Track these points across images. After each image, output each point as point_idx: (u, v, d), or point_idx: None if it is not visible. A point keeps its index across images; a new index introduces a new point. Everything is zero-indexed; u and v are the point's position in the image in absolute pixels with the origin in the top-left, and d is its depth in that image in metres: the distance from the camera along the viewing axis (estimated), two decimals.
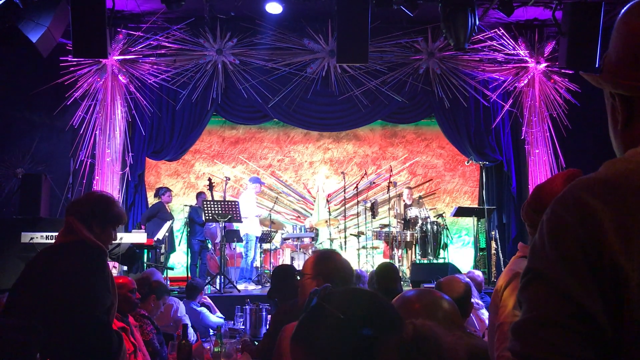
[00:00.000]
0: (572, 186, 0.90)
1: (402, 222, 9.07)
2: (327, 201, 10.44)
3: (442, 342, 1.10)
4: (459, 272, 7.08)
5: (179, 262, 9.84)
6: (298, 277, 2.55)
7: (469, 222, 9.93)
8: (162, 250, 8.64)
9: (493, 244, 9.08)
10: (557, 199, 0.91)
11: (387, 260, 8.54)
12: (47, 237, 6.91)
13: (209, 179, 8.52)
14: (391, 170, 10.06)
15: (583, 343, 0.82)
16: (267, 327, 4.18)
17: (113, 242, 2.77)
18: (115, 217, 2.75)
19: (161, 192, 9.17)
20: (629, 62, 0.97)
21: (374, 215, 9.42)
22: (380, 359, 1.07)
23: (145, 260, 8.64)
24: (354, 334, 1.08)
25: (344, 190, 9.57)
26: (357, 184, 9.89)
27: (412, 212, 9.13)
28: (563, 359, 0.82)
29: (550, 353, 0.83)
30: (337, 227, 9.88)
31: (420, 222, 8.91)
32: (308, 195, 10.93)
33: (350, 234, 9.52)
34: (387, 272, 4.47)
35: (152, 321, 4.06)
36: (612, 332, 0.82)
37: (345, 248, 9.22)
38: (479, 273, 6.19)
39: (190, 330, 5.36)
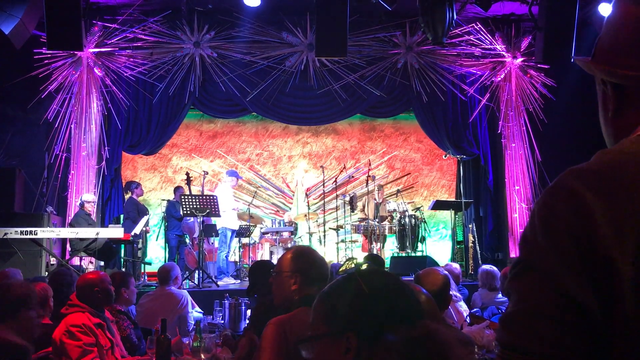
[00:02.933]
0: (564, 176, 0.88)
1: (375, 219, 9.10)
2: (306, 195, 10.43)
3: (451, 352, 1.10)
4: (436, 265, 7.14)
5: (156, 256, 9.76)
6: (273, 275, 2.50)
7: (447, 215, 10.01)
8: (139, 245, 8.55)
9: (470, 237, 9.16)
10: (548, 188, 0.89)
11: (367, 253, 8.57)
12: (21, 233, 6.80)
13: (187, 174, 8.45)
14: (370, 164, 10.09)
15: (574, 335, 0.81)
16: (247, 321, 4.16)
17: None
18: (22, 300, 2.73)
19: (132, 186, 9.04)
20: (621, 49, 0.95)
21: (352, 209, 9.44)
22: (383, 344, 1.10)
23: (122, 255, 8.56)
24: (369, 311, 1.15)
25: (323, 184, 9.57)
26: (336, 178, 9.89)
27: (390, 206, 9.17)
28: (553, 350, 0.82)
29: (540, 344, 0.82)
30: (316, 221, 9.88)
31: (398, 215, 8.95)
32: (287, 190, 10.91)
33: (329, 228, 9.53)
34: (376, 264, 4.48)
35: (128, 316, 4.02)
36: (603, 324, 0.81)
37: (324, 242, 9.23)
38: (456, 266, 6.25)
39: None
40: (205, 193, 8.74)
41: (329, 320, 1.19)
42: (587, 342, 0.82)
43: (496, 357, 0.89)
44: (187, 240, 9.21)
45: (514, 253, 9.49)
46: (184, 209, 7.90)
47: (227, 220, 8.65)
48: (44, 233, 6.99)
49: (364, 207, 9.26)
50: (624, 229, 0.80)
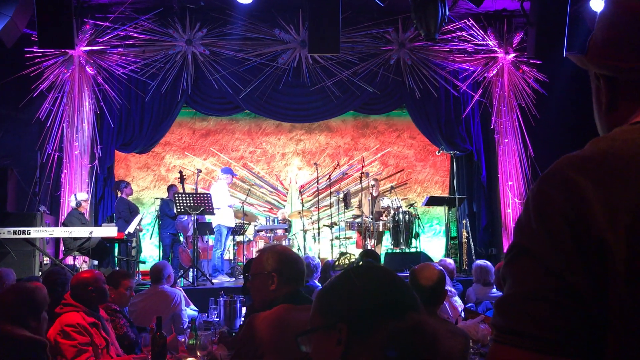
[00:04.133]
0: (558, 163, 0.90)
1: (370, 215, 9.11)
2: (300, 192, 10.43)
3: (439, 343, 1.11)
4: (431, 260, 7.17)
5: (150, 255, 9.74)
6: (250, 277, 2.51)
7: (440, 211, 10.05)
8: (134, 244, 8.53)
9: (464, 233, 9.20)
10: (542, 176, 0.91)
11: (361, 249, 8.59)
12: (14, 232, 6.77)
13: (180, 172, 8.43)
14: (363, 161, 10.10)
15: (568, 318, 0.83)
16: (243, 319, 4.17)
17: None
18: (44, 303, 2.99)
19: (122, 186, 9.00)
20: (614, 42, 0.96)
21: (346, 206, 9.45)
22: (373, 337, 1.12)
23: (116, 254, 8.54)
24: (360, 304, 1.17)
25: (317, 182, 9.58)
26: (330, 175, 9.90)
27: (384, 203, 9.18)
28: (547, 333, 0.83)
29: (535, 327, 0.83)
30: (310, 218, 9.88)
31: (392, 212, 8.97)
32: (281, 187, 10.91)
33: (324, 225, 9.54)
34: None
35: (124, 314, 4.02)
36: (596, 307, 0.83)
37: (318, 239, 9.24)
38: (450, 261, 6.27)
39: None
40: (199, 191, 8.73)
41: (324, 314, 1.23)
42: (581, 324, 0.83)
43: (491, 341, 0.90)
44: (182, 239, 9.20)
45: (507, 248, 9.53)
46: (178, 207, 7.89)
47: (222, 217, 8.64)
48: (37, 233, 6.96)
49: (360, 203, 9.27)
50: (617, 213, 0.82)
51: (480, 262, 6.14)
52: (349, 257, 6.41)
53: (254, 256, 8.92)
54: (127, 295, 4.09)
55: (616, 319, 0.82)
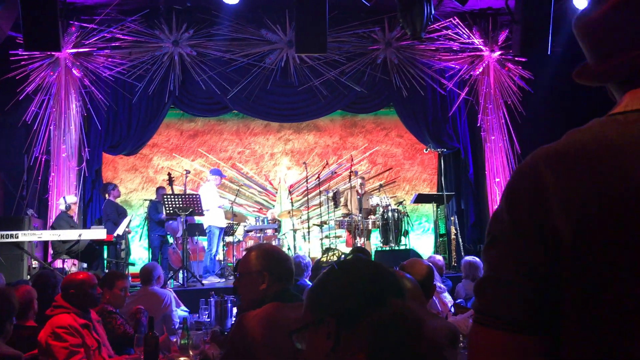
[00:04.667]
0: (531, 155, 0.97)
1: (359, 211, 9.14)
2: (290, 192, 10.45)
3: (423, 326, 1.13)
4: (420, 257, 7.21)
5: (139, 257, 9.71)
6: (237, 276, 2.51)
7: (429, 208, 10.10)
8: (123, 246, 8.50)
9: (452, 229, 9.27)
10: (516, 168, 0.99)
11: (351, 248, 8.62)
12: (2, 237, 6.73)
13: (169, 174, 8.41)
14: (352, 160, 10.14)
15: (533, 299, 0.91)
16: (234, 319, 4.18)
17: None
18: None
19: (109, 188, 8.95)
20: (590, 57, 1.03)
21: (336, 205, 9.48)
22: (356, 330, 1.15)
23: (105, 256, 8.50)
24: (345, 296, 1.20)
25: (306, 181, 9.59)
26: (319, 175, 9.92)
27: (373, 201, 9.21)
28: (514, 313, 0.92)
29: (504, 308, 0.93)
30: (300, 217, 9.90)
31: (381, 210, 9.00)
32: (270, 187, 10.91)
33: (313, 224, 9.56)
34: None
35: (120, 316, 4.02)
36: (556, 290, 0.91)
37: (308, 238, 9.26)
38: (439, 257, 6.33)
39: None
40: (187, 192, 8.71)
41: (313, 311, 1.26)
42: (545, 305, 0.91)
43: (472, 322, 0.98)
44: (171, 240, 9.18)
45: None
46: (167, 208, 7.87)
47: (213, 218, 8.64)
48: (25, 236, 6.92)
49: (346, 202, 9.30)
50: (570, 203, 0.89)
51: (469, 258, 6.21)
52: (337, 254, 6.45)
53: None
54: (122, 295, 4.10)
55: (570, 302, 0.90)
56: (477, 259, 5.98)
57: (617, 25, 0.98)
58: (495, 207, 1.01)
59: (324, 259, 6.85)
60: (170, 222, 8.87)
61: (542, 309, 0.91)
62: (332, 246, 9.03)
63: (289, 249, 9.23)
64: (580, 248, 0.88)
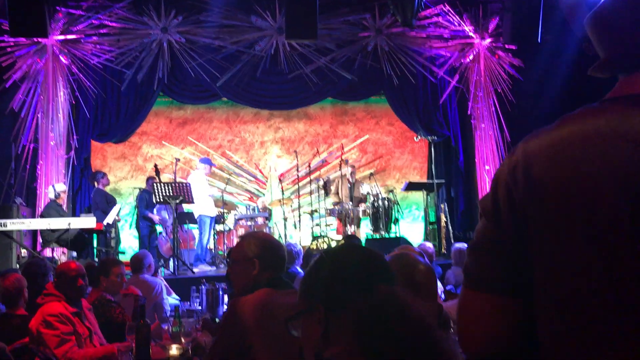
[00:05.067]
0: (521, 141, 1.09)
1: (350, 200, 9.16)
2: (280, 181, 10.44)
3: (411, 310, 1.14)
4: (410, 244, 7.25)
5: (129, 246, 9.69)
6: (230, 264, 2.53)
7: (419, 196, 10.13)
8: (112, 235, 8.47)
9: (442, 217, 9.31)
10: (508, 155, 1.11)
11: (342, 236, 8.66)
12: None
13: (155, 165, 8.38)
14: (342, 148, 10.14)
15: (504, 263, 1.05)
16: (226, 307, 4.19)
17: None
18: None
19: (98, 176, 8.89)
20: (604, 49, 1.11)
21: (327, 193, 9.49)
22: (344, 317, 1.17)
23: (95, 245, 8.48)
24: (332, 282, 1.24)
25: (297, 169, 9.59)
26: (310, 163, 9.91)
27: (364, 189, 9.23)
28: (488, 273, 1.06)
29: (481, 270, 1.08)
30: (291, 206, 9.91)
31: (371, 198, 9.02)
32: (260, 175, 10.90)
33: (304, 212, 9.57)
34: None
35: (118, 304, 4.03)
36: (526, 256, 1.04)
37: (299, 227, 9.28)
38: (429, 245, 6.37)
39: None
40: (178, 181, 8.69)
41: (305, 298, 1.29)
42: (516, 270, 1.05)
43: (462, 286, 1.13)
44: (160, 229, 9.16)
45: None
46: (157, 196, 7.85)
47: (204, 207, 8.62)
48: (14, 225, 6.88)
49: (337, 190, 9.32)
50: (529, 179, 1.02)
51: (458, 245, 6.26)
52: (326, 241, 6.48)
53: (234, 245, 8.95)
54: (119, 282, 4.11)
55: (537, 268, 1.03)
56: (467, 246, 6.03)
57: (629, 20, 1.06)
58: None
59: (314, 246, 6.86)
60: (160, 208, 8.84)
61: (519, 276, 1.04)
62: (323, 234, 9.07)
63: (280, 237, 9.25)
64: (538, 228, 1.01)
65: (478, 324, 1.07)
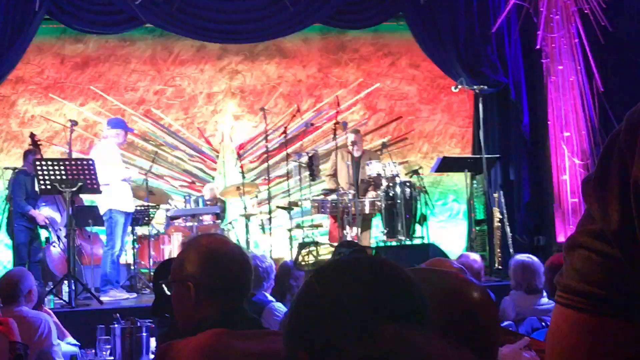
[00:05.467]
0: None
1: (354, 185, 9.17)
2: (239, 156, 10.45)
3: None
4: (446, 257, 7.28)
5: None
6: (165, 287, 2.53)
7: (459, 180, 10.17)
8: None
9: (497, 213, 9.33)
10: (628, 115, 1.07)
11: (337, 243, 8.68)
12: None
13: (31, 135, 8.35)
14: (338, 105, 10.13)
15: (618, 272, 0.98)
16: (152, 356, 4.20)
17: None
18: None
19: None
20: None
21: (313, 176, 9.48)
22: None
23: None
24: (321, 324, 1.25)
25: (265, 139, 9.59)
26: (286, 128, 9.90)
27: (373, 169, 9.23)
28: (598, 290, 0.99)
29: (585, 283, 1.00)
30: (256, 196, 9.93)
31: (385, 183, 9.04)
32: (207, 148, 10.89)
33: (278, 207, 9.59)
34: None
35: None
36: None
37: (269, 229, 9.29)
38: (476, 257, 6.38)
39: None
40: (74, 156, 8.65)
41: (286, 340, 1.32)
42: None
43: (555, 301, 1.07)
44: (48, 233, 9.14)
45: (563, 235, 9.70)
46: (41, 181, 7.80)
47: (115, 198, 8.57)
48: None
49: (334, 171, 9.32)
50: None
51: (521, 257, 6.28)
52: (314, 252, 6.47)
53: (166, 257, 8.94)
54: None
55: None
56: (535, 259, 6.03)
57: None
58: (578, 185, 1.10)
59: (301, 261, 6.88)
60: (46, 200, 8.80)
61: (629, 286, 0.99)
62: (308, 240, 9.09)
63: (238, 244, 9.26)
64: None
65: None
